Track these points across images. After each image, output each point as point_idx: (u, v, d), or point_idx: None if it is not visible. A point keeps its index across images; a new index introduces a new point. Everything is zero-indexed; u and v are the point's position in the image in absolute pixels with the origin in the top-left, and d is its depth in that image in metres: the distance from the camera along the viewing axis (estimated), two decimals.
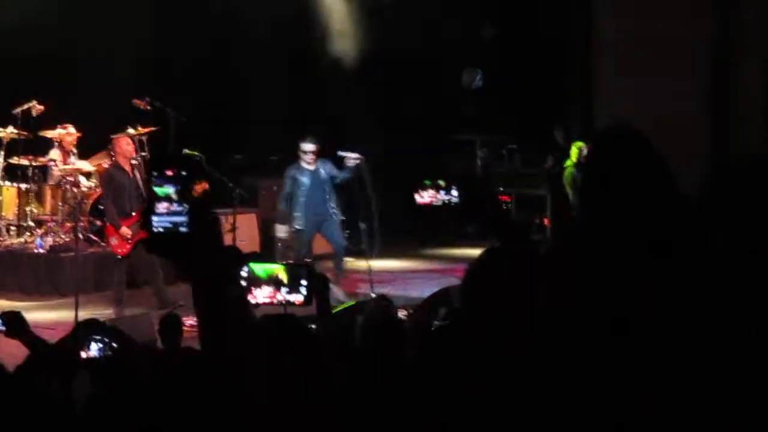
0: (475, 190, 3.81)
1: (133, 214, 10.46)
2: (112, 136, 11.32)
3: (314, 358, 3.20)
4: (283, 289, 3.88)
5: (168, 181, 2.00)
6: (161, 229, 1.99)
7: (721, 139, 13.66)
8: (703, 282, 2.96)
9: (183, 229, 1.98)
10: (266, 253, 13.20)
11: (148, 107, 12.19)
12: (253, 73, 14.96)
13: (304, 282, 3.92)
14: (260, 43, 15.04)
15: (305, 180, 11.40)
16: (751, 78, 13.73)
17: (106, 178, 11.02)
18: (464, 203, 3.86)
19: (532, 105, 15.25)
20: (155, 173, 2.03)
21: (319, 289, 4.74)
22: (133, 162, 10.95)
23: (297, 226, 11.60)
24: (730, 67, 14.10)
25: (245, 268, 3.64)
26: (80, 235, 11.88)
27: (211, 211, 1.92)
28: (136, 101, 12.20)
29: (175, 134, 11.81)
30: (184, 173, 2.00)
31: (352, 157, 11.23)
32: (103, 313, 9.66)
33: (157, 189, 2.00)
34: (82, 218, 12.24)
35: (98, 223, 12.14)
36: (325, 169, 11.45)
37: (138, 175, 10.65)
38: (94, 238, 12.29)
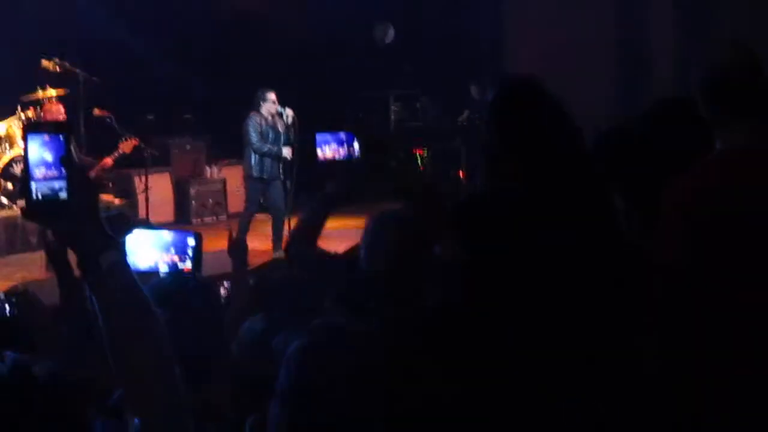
0: (373, 143, 3.79)
1: None
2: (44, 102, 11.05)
3: (212, 317, 3.21)
4: (173, 255, 3.75)
5: (45, 145, 1.97)
6: (40, 196, 1.96)
7: (630, 82, 13.95)
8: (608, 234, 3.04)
9: (63, 195, 1.96)
10: (180, 213, 13.15)
11: (57, 68, 11.97)
12: (164, 31, 14.72)
13: (191, 244, 3.76)
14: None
15: (270, 131, 11.04)
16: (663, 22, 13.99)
17: None
18: (363, 157, 3.85)
19: (445, 60, 15.28)
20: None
21: (233, 251, 4.76)
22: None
23: (253, 173, 11.09)
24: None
25: (131, 234, 3.54)
26: None
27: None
28: (45, 62, 11.97)
29: (85, 95, 11.61)
30: (61, 138, 1.98)
31: (290, 114, 10.98)
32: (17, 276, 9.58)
33: (34, 155, 1.97)
34: None
35: (9, 186, 11.94)
36: (281, 125, 11.10)
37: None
38: (5, 201, 12.09)
